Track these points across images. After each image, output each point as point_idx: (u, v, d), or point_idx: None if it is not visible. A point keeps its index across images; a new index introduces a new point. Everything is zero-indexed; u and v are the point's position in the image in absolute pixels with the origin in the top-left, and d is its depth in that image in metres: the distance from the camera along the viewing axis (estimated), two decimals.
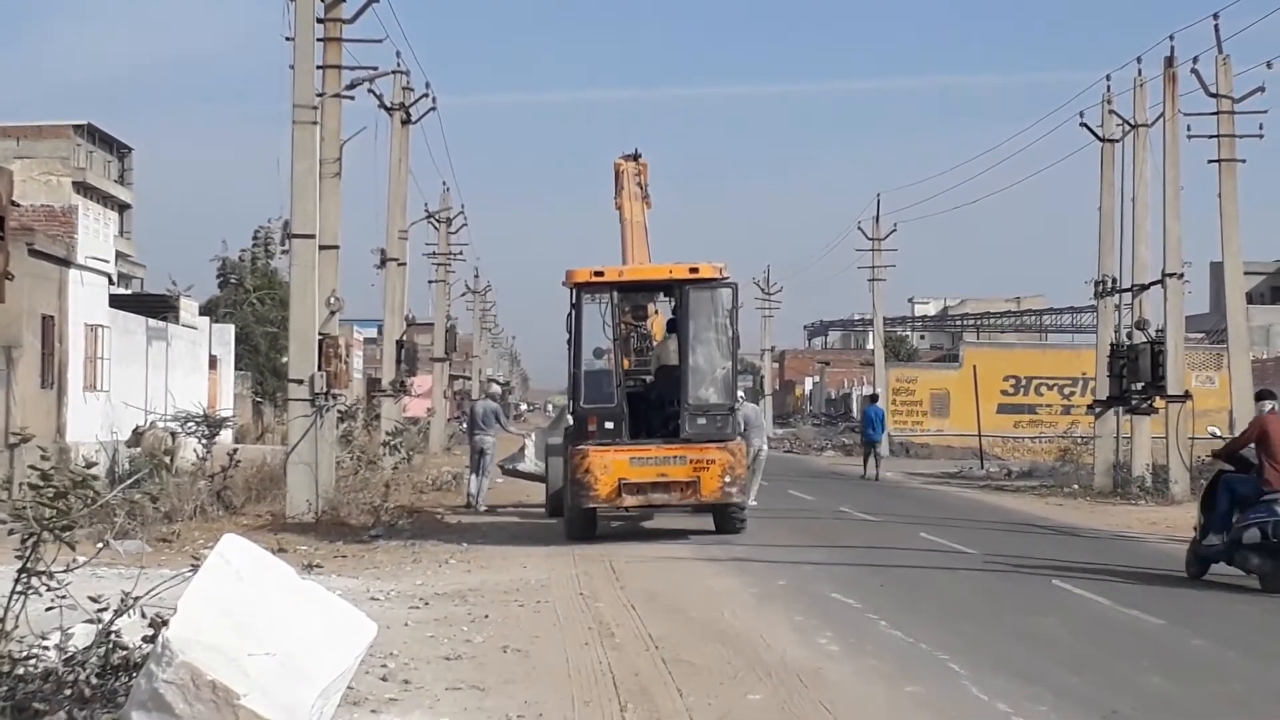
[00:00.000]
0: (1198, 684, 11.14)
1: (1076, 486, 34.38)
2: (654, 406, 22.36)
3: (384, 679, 10.81)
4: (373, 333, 64.61)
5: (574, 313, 21.76)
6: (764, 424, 30.21)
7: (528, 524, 25.31)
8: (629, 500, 21.34)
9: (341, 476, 26.27)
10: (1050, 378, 62.96)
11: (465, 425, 33.16)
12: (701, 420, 21.38)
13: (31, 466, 8.73)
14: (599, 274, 22.03)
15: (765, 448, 29.05)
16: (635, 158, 30.70)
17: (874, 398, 46.40)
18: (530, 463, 28.57)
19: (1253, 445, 16.67)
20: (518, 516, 26.75)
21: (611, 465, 21.08)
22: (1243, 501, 16.46)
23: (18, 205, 27.44)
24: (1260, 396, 18.04)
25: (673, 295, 22.89)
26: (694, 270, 21.89)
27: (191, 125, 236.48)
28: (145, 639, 8.14)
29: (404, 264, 38.44)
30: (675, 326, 22.88)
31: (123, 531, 17.07)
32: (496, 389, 33.57)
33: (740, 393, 23.22)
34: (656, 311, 26.29)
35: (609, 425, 21.31)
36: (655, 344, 25.93)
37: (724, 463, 21.19)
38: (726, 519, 22.19)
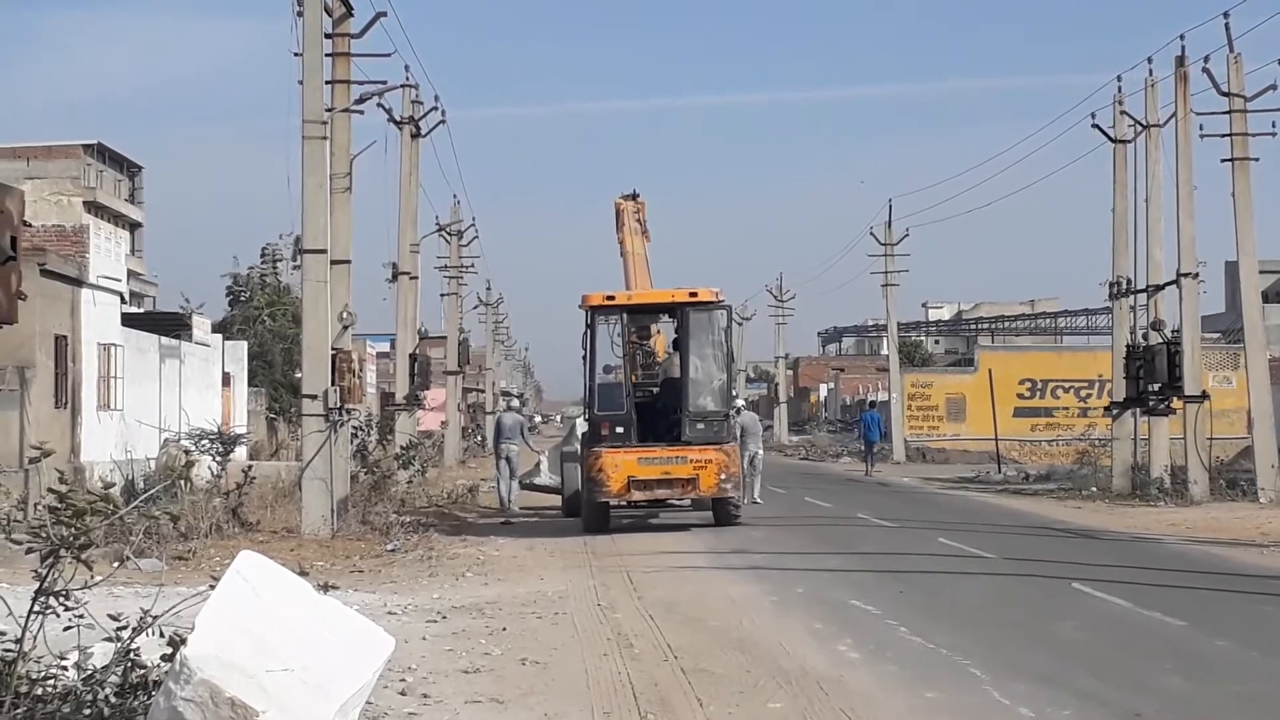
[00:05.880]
0: (1220, 685, 11.10)
1: (1095, 489, 34.23)
2: (660, 414, 24.88)
3: (403, 693, 10.78)
4: (385, 347, 64.65)
5: (589, 331, 24.74)
6: (760, 430, 32.79)
7: (545, 522, 27.55)
8: (637, 495, 24.42)
9: (356, 491, 26.27)
10: (1066, 380, 62.82)
11: (486, 436, 34.26)
12: (700, 425, 24.27)
13: (50, 489, 8.70)
14: (610, 298, 25.34)
15: (760, 452, 31.82)
16: (634, 197, 33.82)
17: (871, 404, 53.03)
18: (546, 476, 30.57)
19: None
20: (537, 517, 28.62)
21: (622, 465, 24.01)
22: None
23: (29, 226, 27.45)
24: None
25: (675, 316, 25.56)
26: (693, 294, 24.89)
27: (201, 142, 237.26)
28: (164, 657, 8.10)
29: (416, 278, 38.41)
30: (678, 344, 25.48)
31: (140, 550, 17.05)
32: (517, 404, 34.51)
33: (741, 402, 25.59)
34: (659, 331, 29.30)
35: (619, 430, 24.23)
36: (660, 359, 29.02)
37: (720, 462, 24.07)
38: (724, 511, 24.86)
